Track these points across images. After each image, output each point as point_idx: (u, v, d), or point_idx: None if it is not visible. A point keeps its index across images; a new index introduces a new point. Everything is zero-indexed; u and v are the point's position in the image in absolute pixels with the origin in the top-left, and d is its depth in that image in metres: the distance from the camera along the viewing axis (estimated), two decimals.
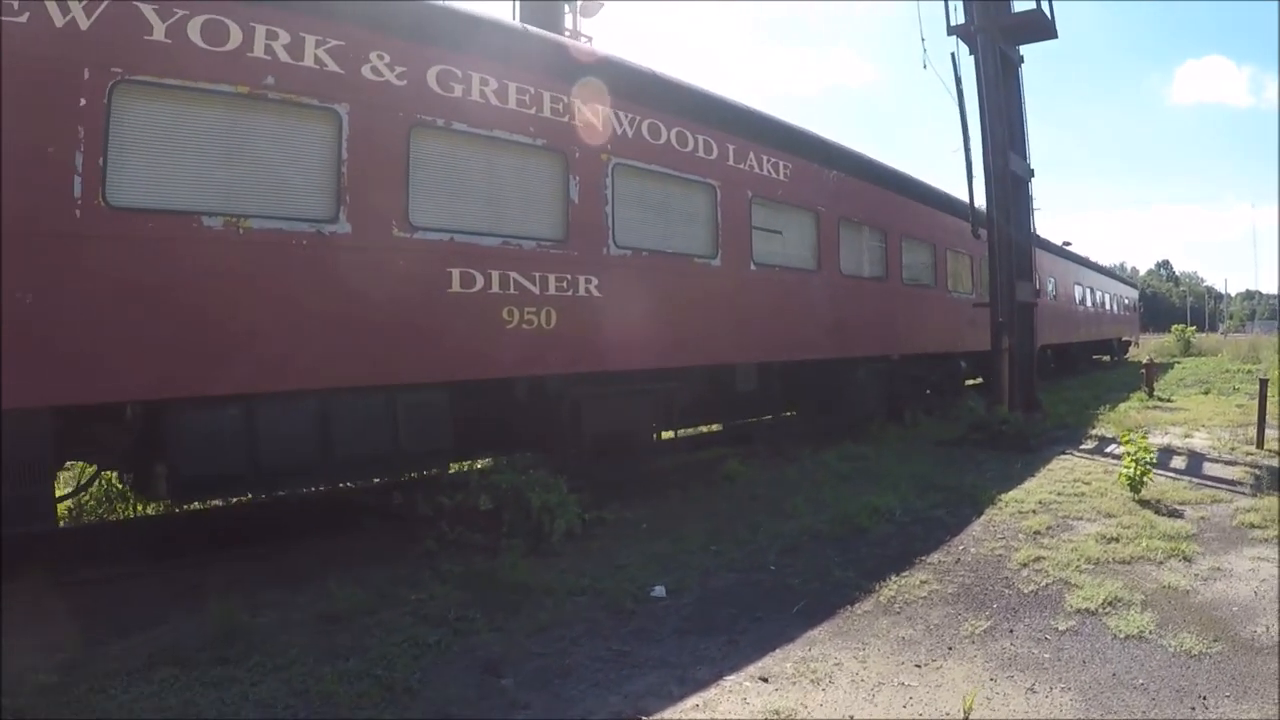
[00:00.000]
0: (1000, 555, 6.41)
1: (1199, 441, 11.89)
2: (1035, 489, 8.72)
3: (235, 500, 8.15)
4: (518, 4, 15.22)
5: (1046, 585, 5.65)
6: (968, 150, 13.92)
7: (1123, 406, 16.95)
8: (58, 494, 6.66)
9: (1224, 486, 8.70)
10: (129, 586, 6.04)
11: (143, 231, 5.35)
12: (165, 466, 5.85)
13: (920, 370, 15.17)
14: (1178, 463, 10.30)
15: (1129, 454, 8.24)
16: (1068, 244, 30.18)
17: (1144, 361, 20.43)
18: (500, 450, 8.63)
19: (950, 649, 4.65)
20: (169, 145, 5.55)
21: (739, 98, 13.03)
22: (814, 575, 5.98)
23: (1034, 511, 7.71)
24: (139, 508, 8.29)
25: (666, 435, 13.11)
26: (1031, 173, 15.06)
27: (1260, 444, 11.14)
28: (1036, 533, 7.00)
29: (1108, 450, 11.38)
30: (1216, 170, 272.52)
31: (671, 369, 8.96)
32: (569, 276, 7.65)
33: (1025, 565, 6.11)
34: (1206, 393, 19.63)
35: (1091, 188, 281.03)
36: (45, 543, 6.78)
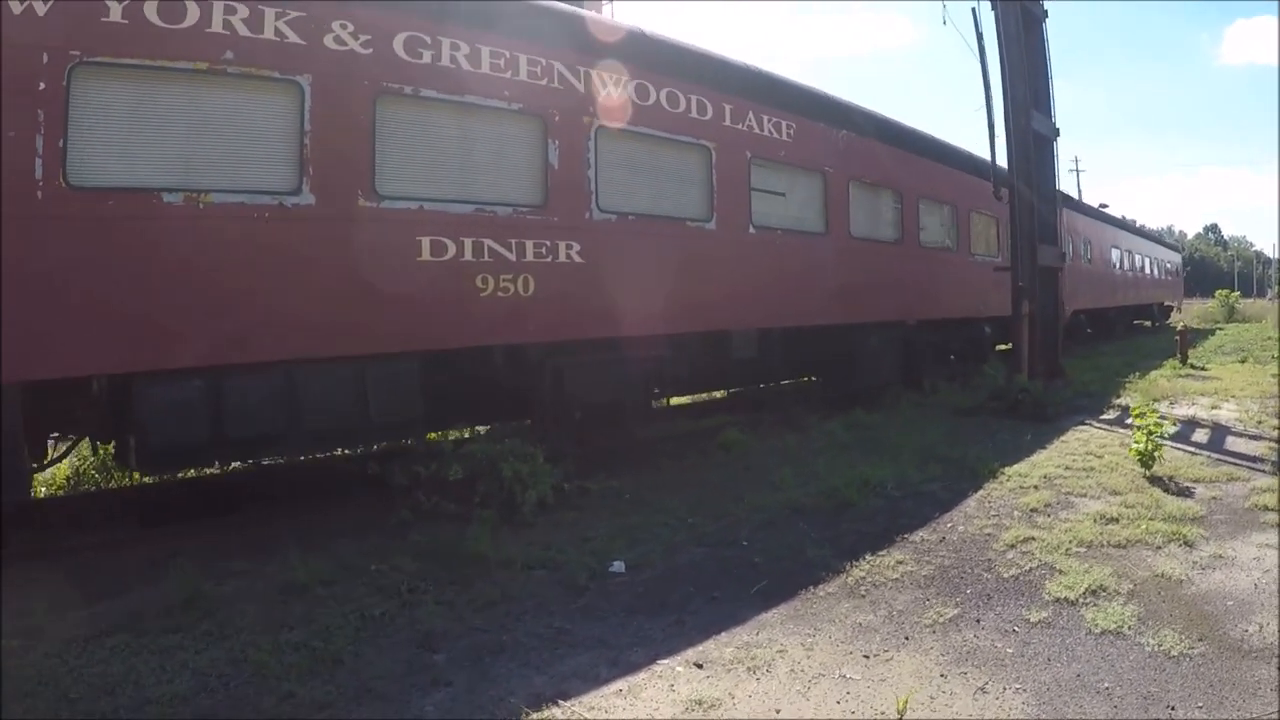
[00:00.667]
0: (989, 535, 5.99)
1: (1226, 413, 11.22)
2: (1043, 462, 8.24)
3: (226, 468, 8.09)
4: None
5: (1030, 570, 5.24)
6: (990, 109, 13.11)
7: (1154, 374, 16.06)
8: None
9: (1244, 463, 8.12)
10: (109, 555, 6.04)
11: (103, 210, 5.32)
12: (134, 438, 5.84)
13: (940, 336, 14.53)
14: (1199, 436, 9.73)
15: (1139, 427, 7.74)
16: (1104, 206, 29.02)
17: (1179, 328, 19.45)
18: (486, 420, 8.42)
19: (907, 639, 4.30)
20: (129, 124, 5.51)
21: (748, 58, 12.41)
22: (785, 552, 5.66)
23: (1036, 487, 7.26)
24: (135, 477, 8.25)
25: (677, 401, 12.91)
26: (1057, 132, 14.23)
27: None
28: (1033, 510, 6.57)
29: (1129, 421, 10.55)
30: (1267, 133, 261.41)
31: (662, 336, 8.57)
32: (548, 243, 7.31)
33: (1012, 547, 5.70)
34: (1243, 361, 18.62)
35: (1140, 151, 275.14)
36: (40, 511, 6.86)
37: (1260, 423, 10.34)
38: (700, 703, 3.63)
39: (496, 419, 8.35)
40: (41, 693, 3.79)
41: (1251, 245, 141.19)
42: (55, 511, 7.06)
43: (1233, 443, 9.23)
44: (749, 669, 3.97)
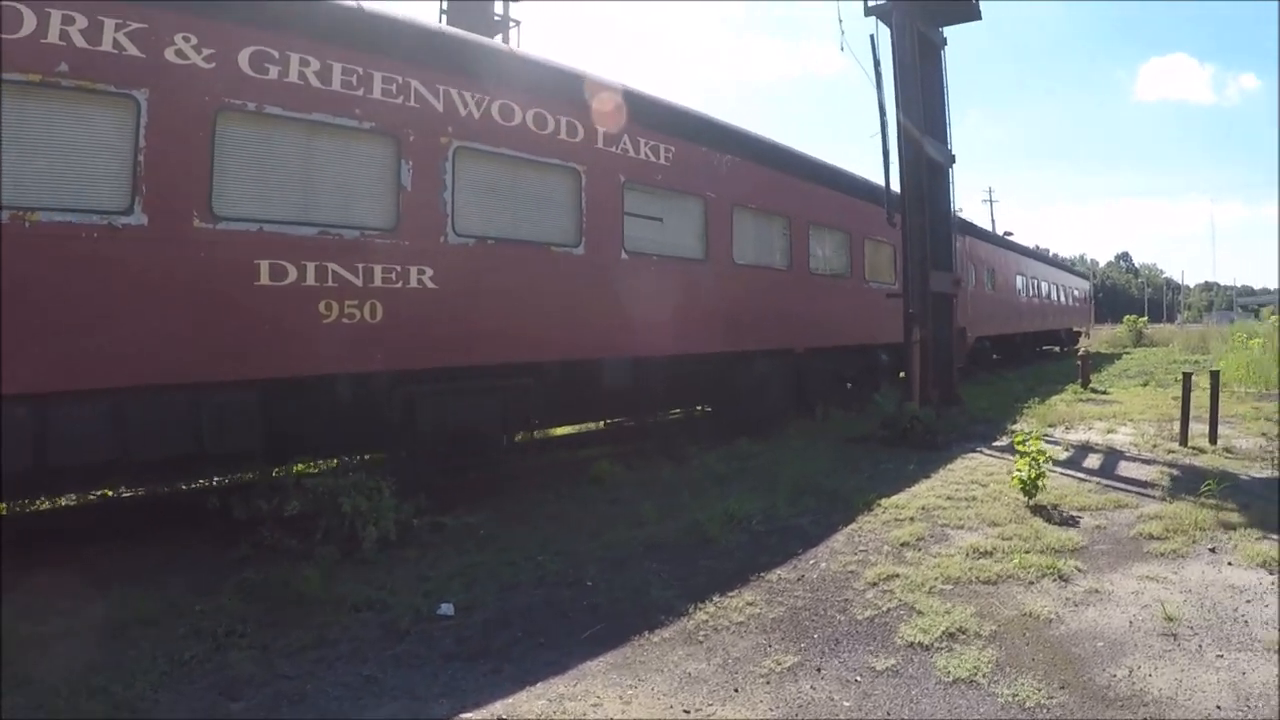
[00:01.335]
0: (851, 572, 6.10)
1: (1122, 437, 11.83)
2: (923, 492, 8.54)
3: (64, 501, 8.05)
4: None
5: (887, 611, 5.27)
6: (884, 135, 13.75)
7: (1054, 399, 16.99)
8: None
9: (1134, 489, 8.48)
10: None
11: None
12: None
13: (834, 363, 15.09)
14: (1092, 461, 10.18)
15: (1022, 454, 7.99)
16: (1009, 234, 30.82)
17: (1080, 353, 20.64)
18: (345, 452, 8.52)
19: (736, 691, 4.27)
20: None
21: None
22: (629, 594, 5.74)
23: (911, 519, 7.45)
24: None
25: (562, 431, 13.16)
26: (952, 159, 15.05)
27: (1184, 441, 11.06)
28: (903, 545, 6.69)
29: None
30: (1178, 166, 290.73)
31: (524, 364, 8.79)
32: (398, 267, 7.48)
33: (874, 585, 5.77)
34: (1145, 385, 19.78)
35: (1057, 182, 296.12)
36: None
37: (1155, 446, 10.91)
38: None
39: (355, 451, 8.46)
40: None
41: (1162, 272, 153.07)
42: None
43: (1125, 468, 9.67)
44: None
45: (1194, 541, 6.62)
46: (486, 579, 6.06)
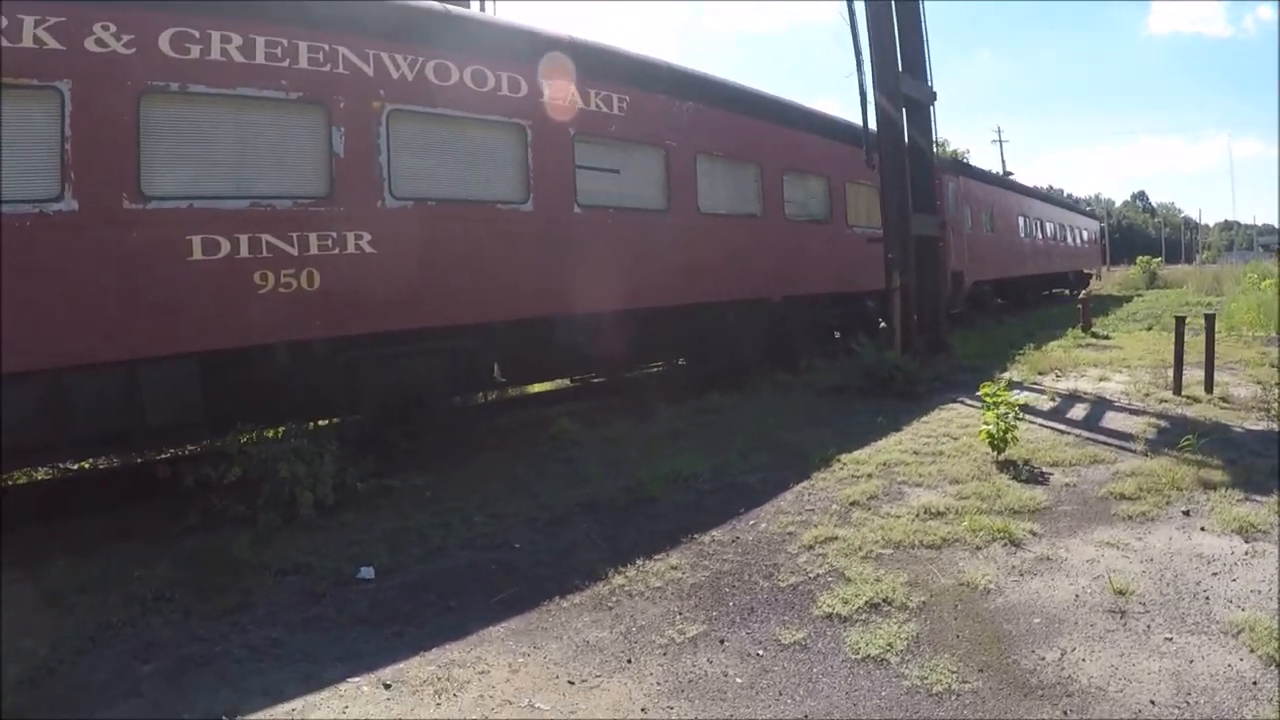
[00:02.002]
0: (790, 533, 6.12)
1: (1114, 385, 11.74)
2: (889, 446, 8.59)
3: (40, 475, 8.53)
4: None
5: (815, 577, 5.26)
6: (860, 73, 13.82)
7: (1052, 345, 16.93)
8: None
9: (1115, 443, 8.38)
10: None
11: None
12: None
13: (817, 313, 15.38)
14: (1076, 411, 10.16)
15: (990, 406, 7.94)
16: (1009, 174, 30.95)
17: (1080, 296, 20.80)
18: (299, 419, 8.95)
19: (629, 662, 4.36)
20: None
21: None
22: (555, 555, 5.97)
23: (870, 475, 7.49)
24: None
25: (540, 388, 13.59)
26: (933, 96, 15.10)
27: (1178, 390, 10.85)
28: (853, 504, 6.71)
29: None
30: (1194, 101, 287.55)
31: (470, 325, 9.15)
32: (334, 234, 7.83)
33: (809, 548, 5.77)
34: (1149, 329, 19.80)
35: (1071, 122, 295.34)
36: None
37: (1147, 395, 10.79)
38: None
39: (307, 417, 8.90)
40: None
41: (1180, 212, 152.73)
42: None
43: (1111, 419, 9.60)
44: (437, 691, 4.15)
45: (1168, 503, 6.42)
46: (417, 542, 6.36)
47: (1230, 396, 10.60)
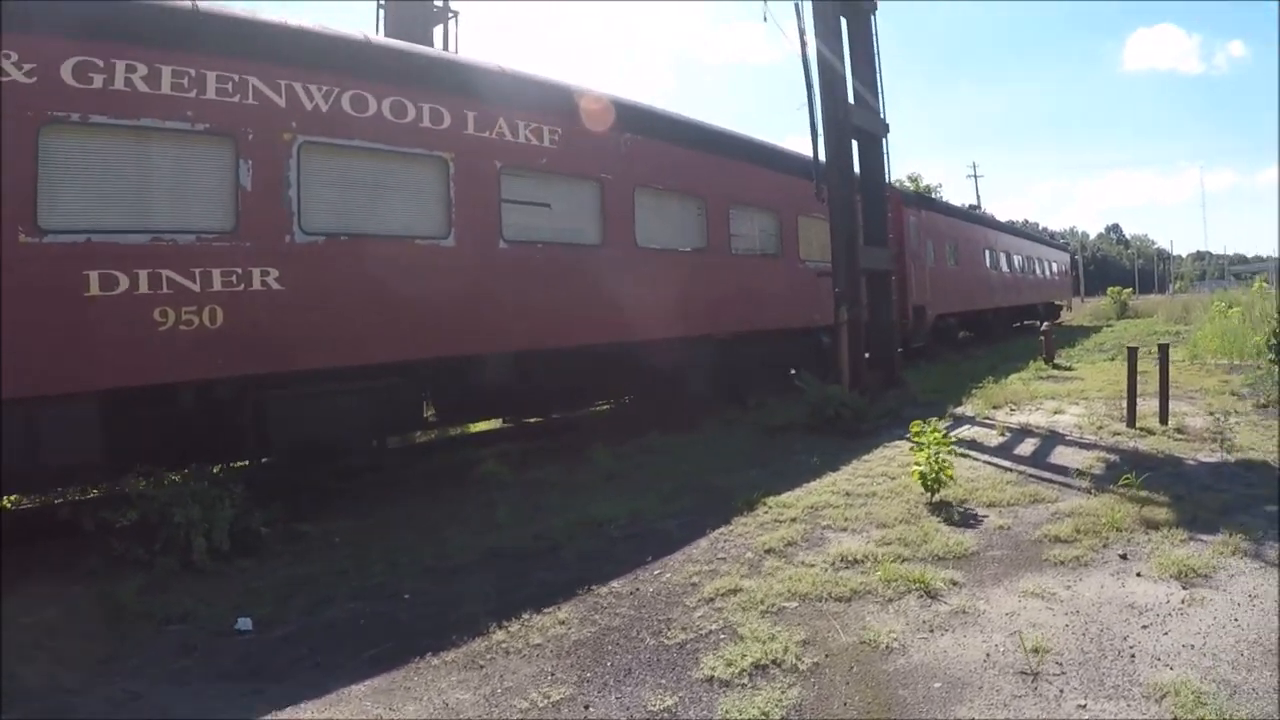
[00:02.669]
0: (694, 584, 6.09)
1: (1068, 418, 11.87)
2: (821, 488, 8.60)
3: None
4: None
5: (706, 634, 5.17)
6: (811, 105, 14.18)
7: (1013, 377, 17.22)
8: None
9: (1060, 480, 8.43)
10: None
11: None
12: None
13: (767, 349, 15.56)
14: (1026, 447, 10.24)
15: (921, 446, 8.00)
16: (974, 207, 31.92)
17: (1043, 328, 21.26)
18: (210, 460, 9.03)
19: None
20: None
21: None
22: (442, 608, 5.97)
23: (793, 520, 7.48)
24: None
25: (480, 428, 13.69)
26: (886, 128, 15.47)
27: (1131, 422, 10.95)
28: (768, 551, 6.68)
29: (954, 433, 11.00)
30: (1168, 135, 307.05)
31: (389, 363, 9.26)
32: (238, 270, 7.95)
33: (710, 601, 5.71)
34: (1113, 359, 20.05)
35: (1047, 156, 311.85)
36: None
37: (1100, 428, 10.90)
38: None
39: (220, 459, 8.98)
40: None
41: (1153, 243, 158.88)
42: None
43: (1060, 454, 9.68)
44: None
45: (1105, 545, 6.36)
46: (307, 591, 6.44)
47: (1186, 427, 10.71)
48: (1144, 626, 4.90)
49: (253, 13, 8.41)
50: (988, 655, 4.62)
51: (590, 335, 11.67)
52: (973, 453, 10.08)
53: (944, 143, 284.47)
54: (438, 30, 19.77)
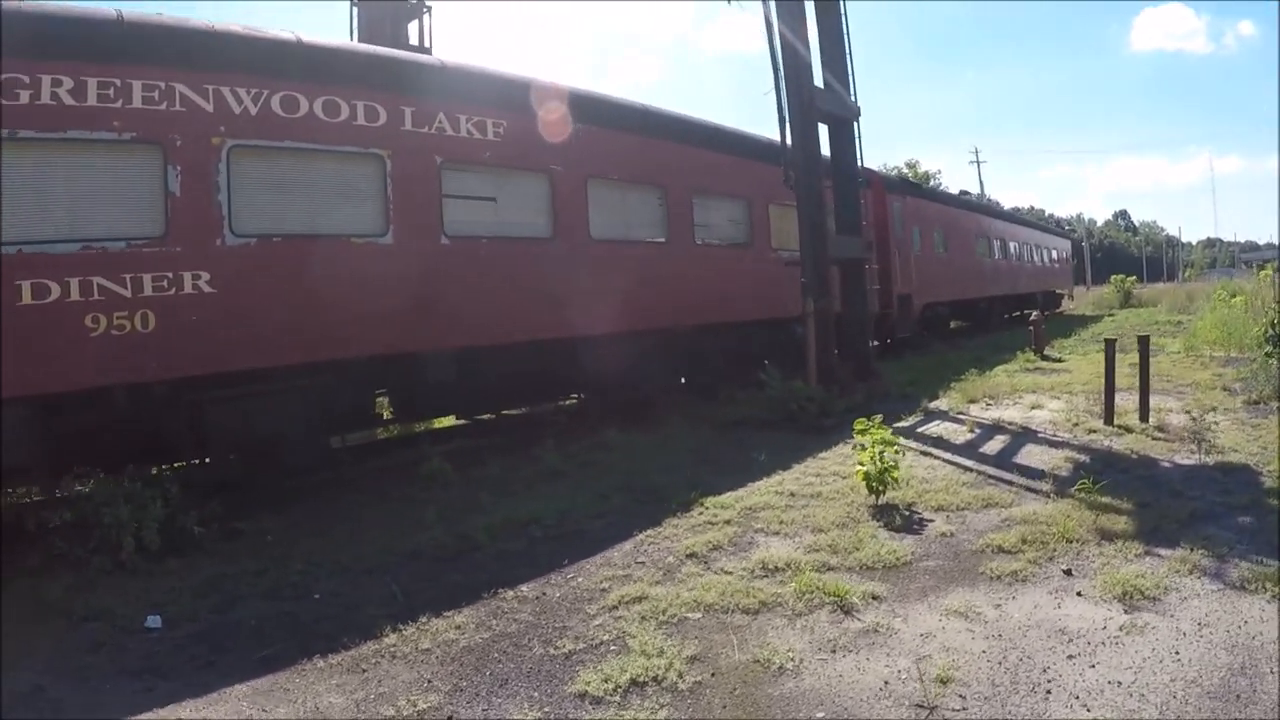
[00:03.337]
0: (602, 590, 6.26)
1: (1045, 414, 12.13)
2: (766, 487, 8.83)
3: None
4: None
5: (596, 645, 5.27)
6: (779, 90, 14.48)
7: (998, 369, 17.62)
8: None
9: (1021, 481, 8.44)
10: None
11: None
12: None
13: (736, 341, 15.99)
14: (994, 445, 10.40)
15: (863, 446, 8.11)
16: (965, 193, 32.32)
17: (1033, 318, 21.60)
18: (150, 462, 9.61)
19: None
20: None
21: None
22: (346, 609, 6.27)
23: (727, 522, 7.68)
24: None
25: (442, 424, 14.18)
26: (858, 112, 15.83)
27: (1109, 419, 11.06)
28: (690, 556, 6.85)
29: (921, 429, 11.60)
30: (1176, 119, 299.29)
31: (327, 362, 9.77)
32: (169, 274, 8.47)
33: (612, 609, 5.84)
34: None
35: (1053, 142, 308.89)
36: None
37: (1076, 425, 11.05)
38: None
39: (155, 461, 9.53)
40: None
41: (1162, 230, 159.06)
42: None
43: (1028, 453, 9.79)
44: None
45: (1050, 559, 6.25)
46: (223, 590, 6.91)
47: (1166, 425, 10.70)
48: (1070, 657, 4.68)
49: (180, 20, 8.91)
50: (886, 683, 4.46)
51: (540, 330, 12.10)
52: (935, 450, 10.33)
53: (947, 129, 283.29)
54: (413, 26, 20.24)
